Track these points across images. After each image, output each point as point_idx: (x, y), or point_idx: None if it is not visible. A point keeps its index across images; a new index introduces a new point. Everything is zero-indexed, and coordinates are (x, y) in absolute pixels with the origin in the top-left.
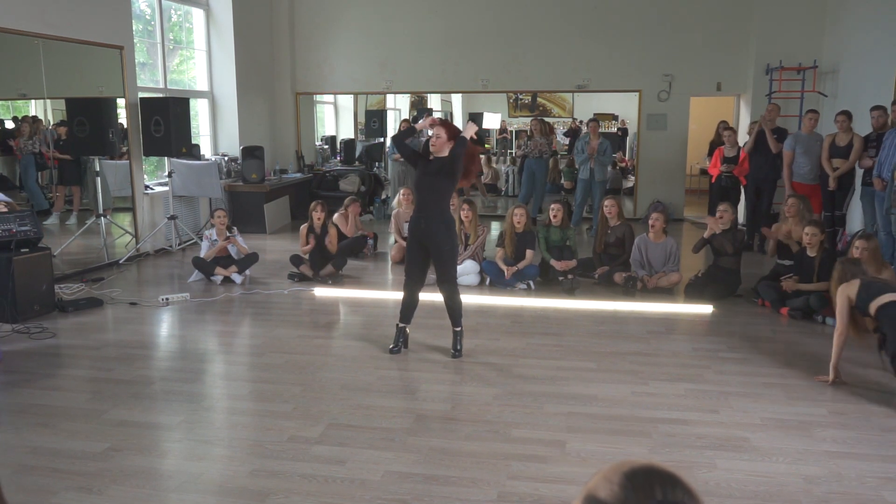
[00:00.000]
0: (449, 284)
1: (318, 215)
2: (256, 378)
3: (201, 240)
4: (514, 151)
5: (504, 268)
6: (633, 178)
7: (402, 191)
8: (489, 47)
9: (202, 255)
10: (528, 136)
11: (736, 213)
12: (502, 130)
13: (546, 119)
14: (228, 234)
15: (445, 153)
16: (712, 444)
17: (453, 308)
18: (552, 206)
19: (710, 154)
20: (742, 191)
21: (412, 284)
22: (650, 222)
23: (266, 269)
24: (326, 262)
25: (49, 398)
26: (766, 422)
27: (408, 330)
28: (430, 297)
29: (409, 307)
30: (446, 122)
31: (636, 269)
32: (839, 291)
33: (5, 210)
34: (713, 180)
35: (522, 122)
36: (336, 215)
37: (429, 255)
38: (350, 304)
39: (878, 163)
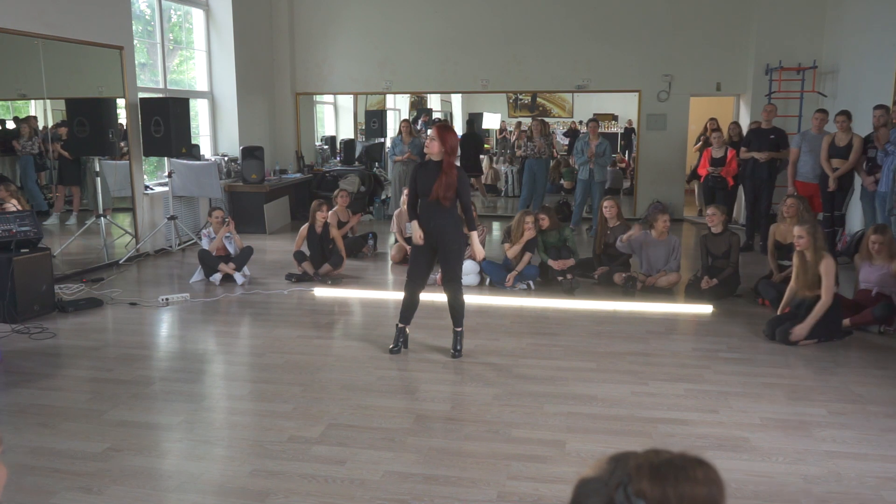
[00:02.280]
0: (454, 283)
1: (322, 215)
2: (256, 378)
3: (201, 239)
4: (510, 151)
5: (508, 272)
6: (629, 180)
7: (405, 191)
8: (489, 47)
9: (205, 248)
10: (527, 136)
11: (727, 214)
12: (502, 130)
13: (545, 120)
14: (225, 220)
15: (437, 157)
16: (712, 444)
17: (456, 308)
18: (541, 215)
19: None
20: (728, 191)
21: (413, 285)
22: (657, 224)
23: (266, 269)
24: (325, 261)
25: (49, 398)
26: (766, 422)
27: (408, 330)
28: (431, 297)
29: (409, 308)
30: (443, 130)
31: (626, 249)
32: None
33: (13, 210)
34: (701, 180)
35: (523, 123)
36: (329, 213)
37: (434, 256)
38: (350, 304)
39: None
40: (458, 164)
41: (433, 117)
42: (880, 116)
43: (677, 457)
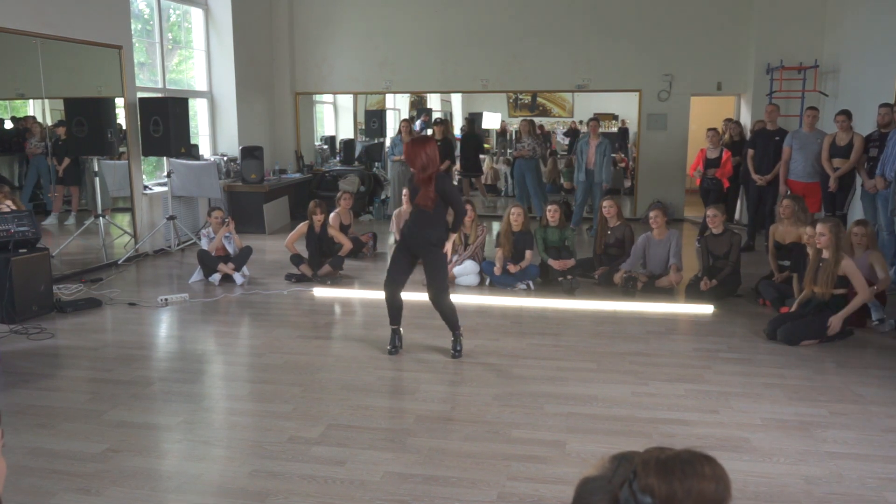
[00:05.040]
0: (438, 293)
1: (318, 217)
2: (256, 378)
3: (200, 239)
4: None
5: (499, 266)
6: (629, 180)
7: (405, 191)
8: (489, 47)
9: (204, 248)
10: (516, 137)
11: (726, 214)
12: (502, 131)
13: (533, 120)
14: (225, 220)
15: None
16: (712, 444)
17: (446, 315)
18: (549, 207)
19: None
20: (724, 192)
21: (392, 286)
22: (650, 220)
23: (265, 269)
24: (324, 261)
25: (48, 399)
26: (767, 422)
27: (401, 330)
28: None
29: (393, 308)
30: (417, 143)
31: (631, 264)
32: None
33: (7, 211)
34: (697, 182)
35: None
36: (332, 215)
37: (413, 261)
38: (349, 305)
39: (881, 161)
40: (457, 168)
41: (433, 117)
42: (885, 115)
43: (684, 452)
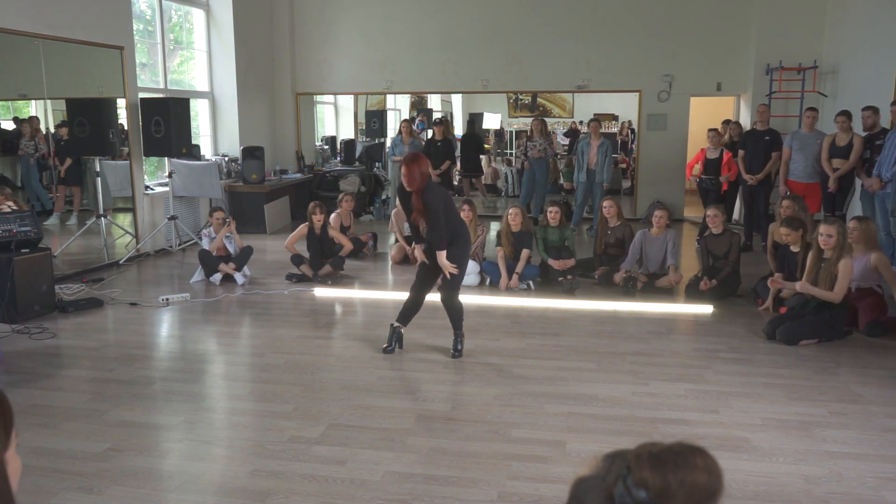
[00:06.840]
0: (447, 289)
1: (317, 217)
2: (257, 378)
3: (201, 239)
4: (513, 152)
5: (504, 275)
6: (629, 180)
7: None
8: (489, 47)
9: (205, 248)
10: (527, 136)
11: (726, 214)
12: (501, 131)
13: (545, 119)
14: (226, 220)
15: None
16: (712, 444)
17: (451, 312)
18: (550, 207)
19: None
20: (722, 194)
21: (418, 287)
22: (654, 220)
23: (266, 269)
24: (324, 262)
25: (49, 398)
26: (767, 422)
27: (402, 331)
28: (431, 297)
29: (409, 309)
30: (412, 163)
31: (630, 264)
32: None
33: (9, 211)
34: (688, 177)
35: (522, 123)
36: (332, 216)
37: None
38: (350, 305)
39: (878, 162)
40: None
41: (433, 117)
42: (867, 117)
43: (675, 445)
